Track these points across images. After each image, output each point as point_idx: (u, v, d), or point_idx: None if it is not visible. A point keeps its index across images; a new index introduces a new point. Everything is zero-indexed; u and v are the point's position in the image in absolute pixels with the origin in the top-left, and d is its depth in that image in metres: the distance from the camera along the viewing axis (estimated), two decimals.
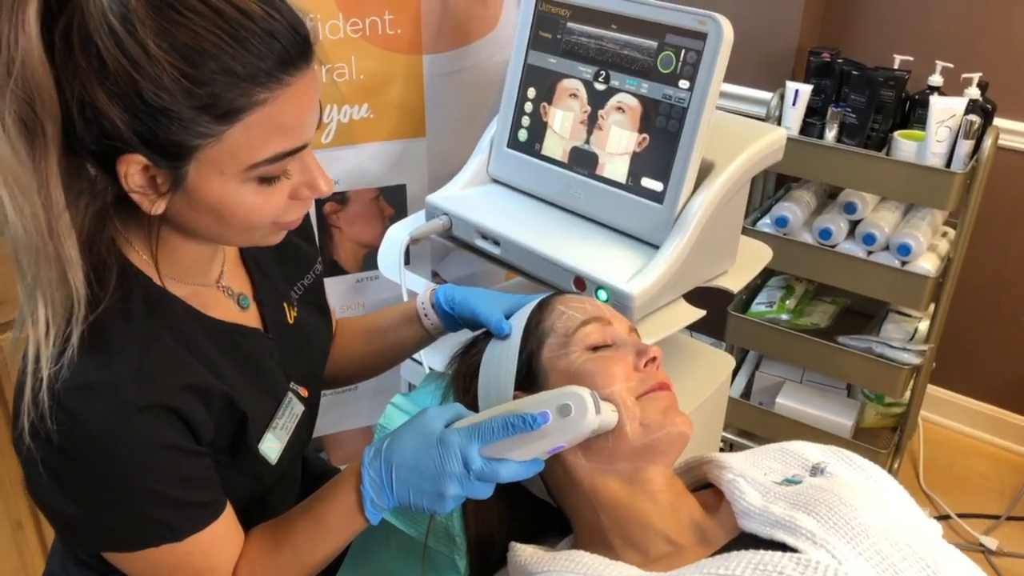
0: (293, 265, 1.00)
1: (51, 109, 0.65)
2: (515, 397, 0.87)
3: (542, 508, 0.92)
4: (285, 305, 0.97)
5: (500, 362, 0.90)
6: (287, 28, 0.69)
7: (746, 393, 2.36)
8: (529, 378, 0.88)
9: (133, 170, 0.70)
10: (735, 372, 2.40)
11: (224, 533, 0.83)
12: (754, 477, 0.80)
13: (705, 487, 0.87)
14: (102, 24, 0.64)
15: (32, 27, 0.63)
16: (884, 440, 2.24)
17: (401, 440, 0.80)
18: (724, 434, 2.31)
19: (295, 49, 0.70)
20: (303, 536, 0.84)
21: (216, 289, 0.88)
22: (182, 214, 0.76)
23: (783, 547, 0.69)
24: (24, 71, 0.63)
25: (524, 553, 0.81)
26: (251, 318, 0.92)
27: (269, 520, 0.89)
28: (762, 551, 0.68)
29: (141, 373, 0.74)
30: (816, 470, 0.83)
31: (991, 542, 2.13)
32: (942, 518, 2.20)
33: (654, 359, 0.86)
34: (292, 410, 0.92)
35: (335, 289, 1.66)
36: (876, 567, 0.67)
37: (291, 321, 0.97)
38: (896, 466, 2.23)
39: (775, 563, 0.66)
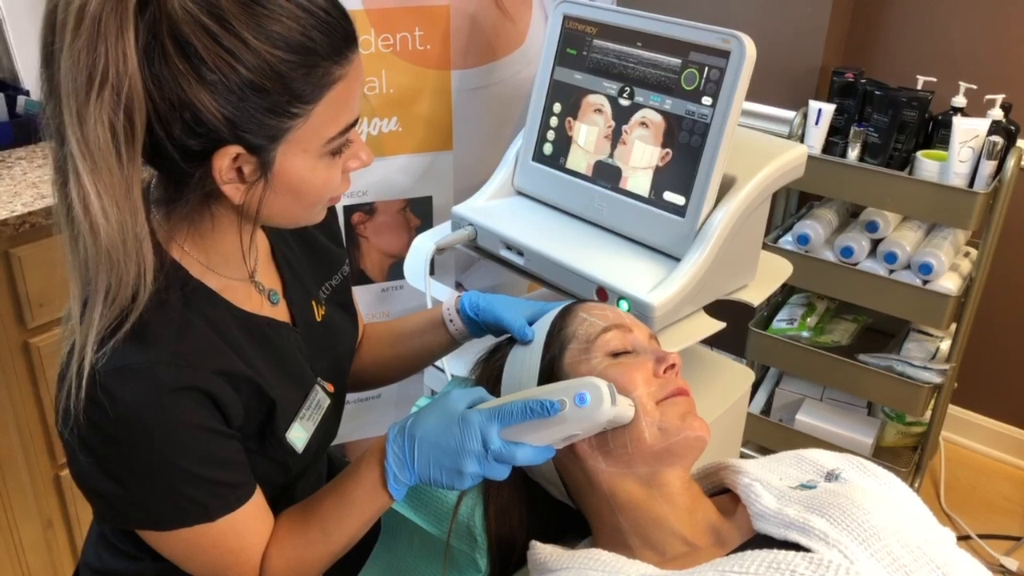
0: (322, 265, 1.04)
1: (142, 115, 0.70)
2: None
3: (562, 510, 0.94)
4: (313, 303, 1.00)
5: (523, 367, 0.93)
6: (344, 12, 0.78)
7: (766, 410, 2.36)
8: (551, 383, 0.90)
9: (226, 163, 0.75)
10: (755, 388, 2.40)
11: (255, 515, 0.86)
12: (770, 482, 0.81)
13: (722, 492, 0.89)
14: (196, 26, 0.69)
15: (131, 34, 0.67)
16: (904, 459, 2.23)
17: (425, 417, 0.84)
18: (743, 450, 2.31)
19: (352, 29, 0.78)
20: (330, 513, 0.87)
21: (248, 284, 0.92)
22: (257, 200, 0.80)
23: (796, 547, 0.71)
24: (118, 79, 0.67)
25: (544, 551, 0.83)
26: (280, 313, 0.95)
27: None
28: (776, 550, 0.69)
29: (176, 357, 0.78)
30: (831, 476, 0.84)
31: (1012, 563, 2.12)
32: (963, 539, 2.19)
33: (673, 365, 0.88)
34: (318, 402, 0.95)
35: (361, 298, 1.69)
36: (887, 567, 0.68)
37: (319, 319, 1.01)
38: (916, 486, 2.22)
39: (788, 562, 0.67)
